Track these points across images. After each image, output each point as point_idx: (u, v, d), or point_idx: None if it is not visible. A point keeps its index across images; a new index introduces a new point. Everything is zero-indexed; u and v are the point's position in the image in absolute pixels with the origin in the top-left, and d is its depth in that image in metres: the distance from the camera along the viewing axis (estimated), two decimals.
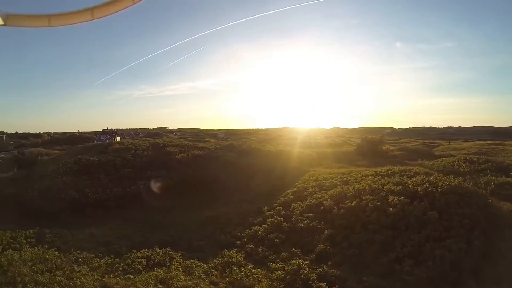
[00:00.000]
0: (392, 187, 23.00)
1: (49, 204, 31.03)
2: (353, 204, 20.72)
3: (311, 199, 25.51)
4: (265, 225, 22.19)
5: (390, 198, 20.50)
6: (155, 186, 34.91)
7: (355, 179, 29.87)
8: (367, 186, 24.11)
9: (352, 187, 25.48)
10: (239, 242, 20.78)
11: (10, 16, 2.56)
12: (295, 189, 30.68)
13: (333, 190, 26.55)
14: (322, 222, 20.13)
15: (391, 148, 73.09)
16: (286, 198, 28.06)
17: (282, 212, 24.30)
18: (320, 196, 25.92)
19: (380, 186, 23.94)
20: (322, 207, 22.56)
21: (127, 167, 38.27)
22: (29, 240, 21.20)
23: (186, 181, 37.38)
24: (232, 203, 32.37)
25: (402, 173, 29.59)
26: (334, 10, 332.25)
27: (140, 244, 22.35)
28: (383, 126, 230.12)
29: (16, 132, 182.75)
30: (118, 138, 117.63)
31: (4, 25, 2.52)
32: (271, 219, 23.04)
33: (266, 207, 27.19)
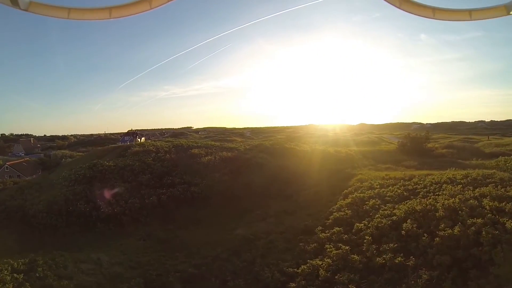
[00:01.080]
0: (497, 204, 16.49)
1: (56, 218, 26.44)
2: (455, 231, 14.32)
3: (379, 216, 19.28)
4: (327, 259, 16.02)
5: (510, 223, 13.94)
6: (177, 194, 29.66)
7: (425, 188, 23.55)
8: (459, 202, 17.63)
9: (434, 201, 19.08)
10: (292, 285, 14.66)
11: (32, 3, 2.67)
12: (349, 200, 24.51)
13: (405, 204, 20.30)
14: (412, 257, 13.87)
15: (436, 145, 65.28)
16: (342, 213, 21.93)
17: (345, 237, 18.15)
18: (390, 212, 19.72)
19: (476, 202, 17.46)
20: (403, 232, 16.28)
21: (147, 172, 33.24)
22: (15, 276, 15.96)
23: (214, 188, 32.12)
24: (270, 217, 26.66)
25: (487, 180, 22.97)
26: (356, 4, 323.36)
27: (157, 279, 16.95)
28: (410, 121, 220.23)
29: (44, 135, 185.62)
30: (142, 139, 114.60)
31: (26, 10, 2.64)
32: (332, 248, 16.92)
33: (318, 227, 21.17)
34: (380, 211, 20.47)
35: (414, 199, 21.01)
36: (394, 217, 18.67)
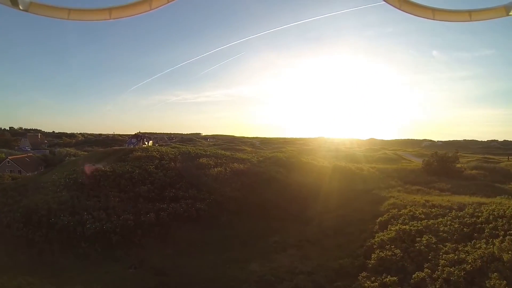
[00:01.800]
0: None
1: (33, 231, 22.02)
2: None
3: (445, 263, 14.46)
4: None
5: None
6: (180, 211, 25.12)
7: (489, 223, 18.95)
8: None
9: None
10: None
11: (32, 4, 2.63)
12: (392, 233, 19.76)
13: (474, 246, 15.61)
14: None
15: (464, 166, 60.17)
16: (388, 253, 17.11)
17: None
18: (457, 257, 14.96)
19: None
20: None
21: (147, 182, 28.78)
22: None
23: (223, 205, 27.69)
24: (291, 246, 22.11)
25: None
26: (368, 18, 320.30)
27: None
28: (421, 138, 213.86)
29: (53, 131, 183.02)
30: (150, 143, 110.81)
31: (26, 11, 2.60)
32: None
33: (357, 268, 16.44)
34: (442, 253, 15.68)
35: (482, 240, 16.29)
36: (467, 266, 13.87)
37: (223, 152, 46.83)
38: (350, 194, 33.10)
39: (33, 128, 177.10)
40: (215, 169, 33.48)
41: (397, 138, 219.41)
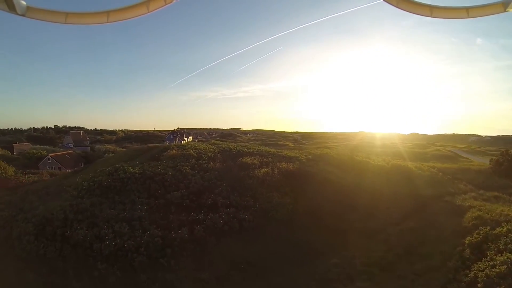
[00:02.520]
0: None
1: (46, 246, 18.28)
2: None
3: None
4: None
5: None
6: (220, 224, 20.51)
7: None
8: None
9: None
10: None
11: (30, 8, 2.69)
12: (502, 268, 13.98)
13: None
14: None
15: None
16: None
17: None
18: None
19: None
20: None
21: (181, 186, 24.42)
22: None
23: (270, 214, 23.03)
24: (359, 274, 17.13)
25: None
26: None
27: None
28: (467, 132, 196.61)
29: (95, 129, 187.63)
30: (189, 138, 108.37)
31: (24, 16, 2.64)
32: None
33: None
34: None
35: None
36: None
37: (267, 149, 41.88)
38: (417, 201, 27.56)
39: (76, 126, 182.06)
40: (261, 170, 28.57)
41: (441, 133, 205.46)
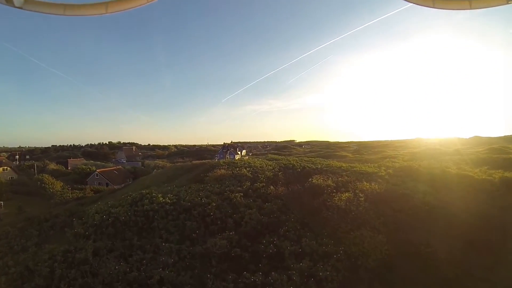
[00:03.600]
0: None
1: None
2: None
3: None
4: None
5: None
6: None
7: None
8: None
9: None
10: None
11: (28, 0, 2.64)
12: None
13: None
14: None
15: None
16: None
17: None
18: None
19: None
20: None
21: (229, 223, 16.32)
22: None
23: (361, 263, 14.40)
24: None
25: None
26: None
27: None
28: None
29: (148, 144, 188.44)
30: (243, 152, 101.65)
31: (21, 8, 2.62)
32: None
33: None
34: None
35: None
36: None
37: (337, 164, 32.84)
38: None
39: (131, 141, 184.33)
40: (341, 196, 19.72)
41: (508, 134, 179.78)
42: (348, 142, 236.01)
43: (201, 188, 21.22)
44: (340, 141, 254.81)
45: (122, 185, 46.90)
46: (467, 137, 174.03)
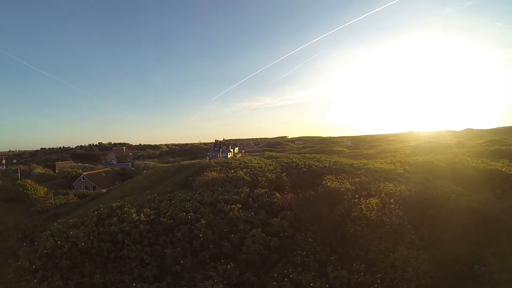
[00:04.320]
0: None
1: None
2: None
3: None
4: None
5: None
6: None
7: None
8: None
9: None
10: None
11: None
12: None
13: None
14: None
15: None
16: None
17: None
18: None
19: None
20: None
21: (224, 250, 12.09)
22: None
23: None
24: None
25: None
26: None
27: None
28: None
29: (140, 144, 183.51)
30: (236, 150, 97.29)
31: None
32: None
33: None
34: None
35: None
36: None
37: (346, 161, 28.67)
38: None
39: (121, 142, 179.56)
40: (369, 202, 15.35)
41: (500, 126, 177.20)
42: (341, 137, 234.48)
43: (188, 197, 16.89)
44: (332, 136, 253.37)
45: (110, 188, 43.57)
46: (459, 130, 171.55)
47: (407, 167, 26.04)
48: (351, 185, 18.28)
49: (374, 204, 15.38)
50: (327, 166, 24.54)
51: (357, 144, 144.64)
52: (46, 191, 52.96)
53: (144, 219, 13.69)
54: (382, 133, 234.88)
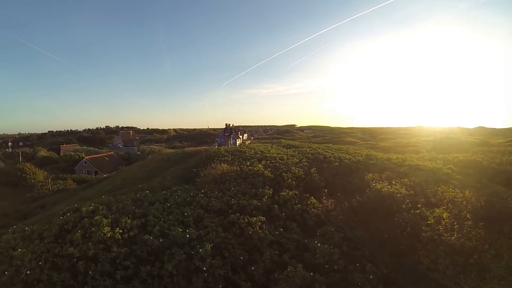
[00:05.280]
0: None
1: None
2: None
3: None
4: None
5: None
6: None
7: None
8: None
9: None
10: None
11: None
12: None
13: None
14: None
15: None
16: None
17: None
18: None
19: None
20: None
21: (246, 276, 7.86)
22: None
23: None
24: None
25: None
26: None
27: None
28: None
29: (147, 128, 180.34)
30: (245, 136, 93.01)
31: None
32: None
33: None
34: None
35: None
36: None
37: (378, 154, 24.05)
38: None
39: (129, 126, 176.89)
40: (438, 215, 10.76)
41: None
42: (350, 128, 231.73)
43: (189, 199, 12.44)
44: (341, 126, 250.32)
45: (113, 173, 40.33)
46: (472, 127, 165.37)
47: (451, 165, 21.35)
48: (404, 188, 13.64)
49: (446, 219, 10.85)
50: (361, 160, 19.97)
51: (368, 135, 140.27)
52: (46, 176, 50.68)
53: (119, 237, 9.22)
54: (391, 126, 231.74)
